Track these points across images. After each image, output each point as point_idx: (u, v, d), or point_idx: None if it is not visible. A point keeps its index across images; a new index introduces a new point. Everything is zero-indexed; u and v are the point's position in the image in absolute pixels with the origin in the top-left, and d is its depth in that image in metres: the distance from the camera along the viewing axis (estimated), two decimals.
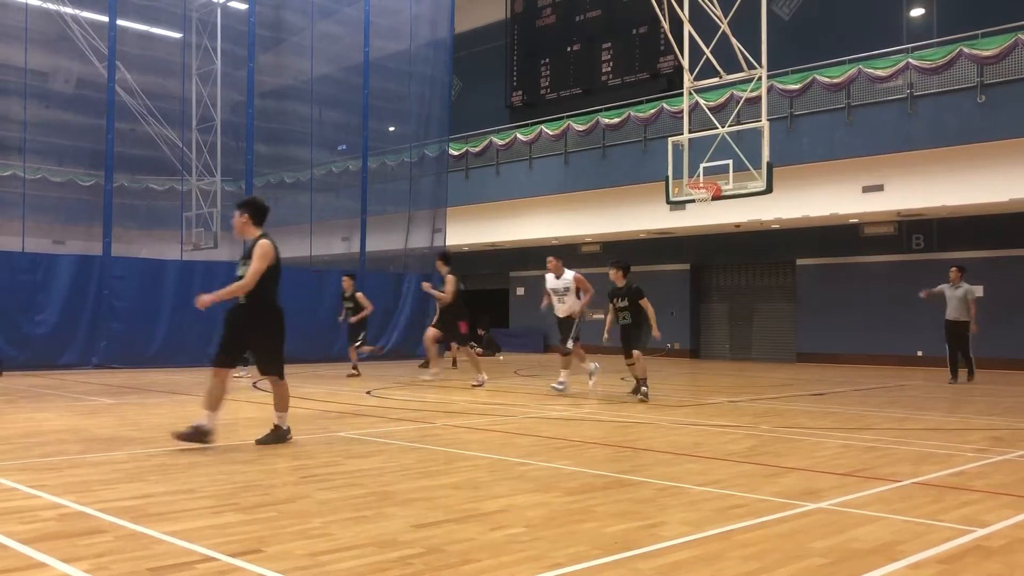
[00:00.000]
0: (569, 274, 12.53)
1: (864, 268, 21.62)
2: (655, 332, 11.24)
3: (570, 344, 12.33)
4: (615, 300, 11.49)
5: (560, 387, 12.43)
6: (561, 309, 12.55)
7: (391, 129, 23.71)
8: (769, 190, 14.77)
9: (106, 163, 17.90)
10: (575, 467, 6.10)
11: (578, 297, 12.49)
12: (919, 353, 19.58)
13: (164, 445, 7.00)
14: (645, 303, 11.23)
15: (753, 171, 14.85)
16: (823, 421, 9.21)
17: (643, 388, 11.17)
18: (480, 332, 25.87)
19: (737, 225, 21.51)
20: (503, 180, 25.39)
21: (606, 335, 11.82)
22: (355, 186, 21.94)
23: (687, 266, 25.27)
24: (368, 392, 12.25)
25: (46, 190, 19.72)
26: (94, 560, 3.63)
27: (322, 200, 22.26)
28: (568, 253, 26.90)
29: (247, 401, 10.99)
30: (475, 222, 25.35)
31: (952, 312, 14.76)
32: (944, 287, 15.00)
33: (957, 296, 14.72)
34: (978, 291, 19.77)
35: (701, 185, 15.32)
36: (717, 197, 15.27)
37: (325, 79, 21.72)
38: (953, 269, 15.11)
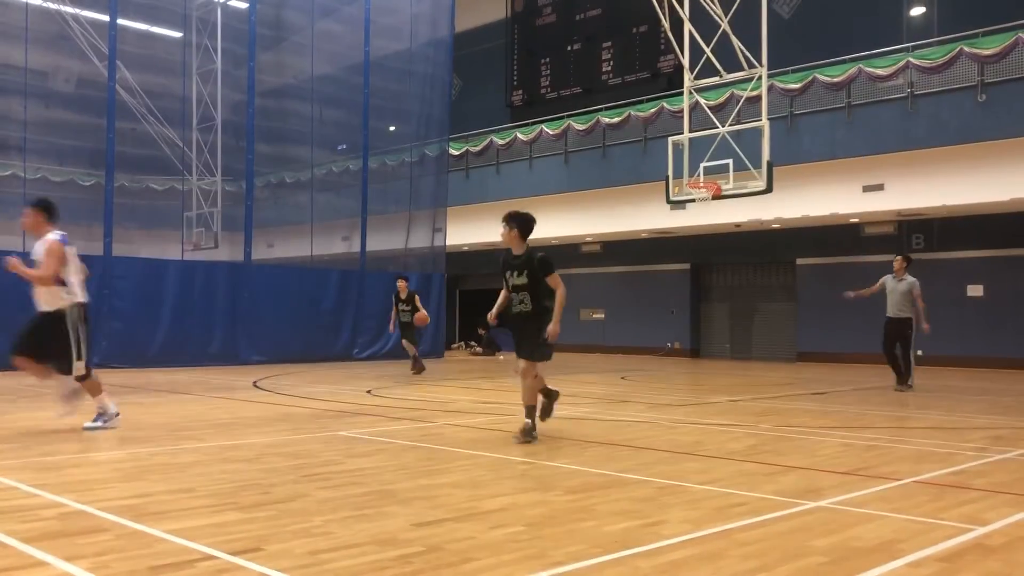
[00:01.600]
0: (47, 237, 7.81)
1: (864, 268, 21.60)
2: (553, 328, 7.24)
3: (76, 366, 7.59)
4: (509, 274, 7.65)
5: (93, 426, 7.71)
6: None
7: (391, 129, 23.73)
8: (769, 189, 14.77)
9: (106, 163, 17.90)
10: (575, 466, 6.10)
11: (64, 284, 7.72)
12: (919, 352, 19.55)
13: (164, 444, 7.01)
14: (555, 281, 7.39)
15: (753, 170, 14.85)
16: (824, 420, 9.21)
17: (528, 421, 7.40)
18: (480, 332, 25.89)
19: (737, 225, 21.51)
20: (503, 179, 25.39)
21: (492, 318, 8.12)
22: (355, 186, 21.95)
23: (687, 266, 25.26)
24: (368, 391, 12.25)
25: (46, 190, 19.69)
26: (95, 559, 3.63)
27: (322, 200, 22.27)
28: (569, 253, 26.98)
29: (244, 401, 11.00)
30: (475, 222, 25.34)
31: (894, 308, 12.87)
32: (886, 279, 13.08)
33: (900, 290, 12.78)
34: (981, 288, 19.80)
35: (701, 184, 15.32)
36: (717, 196, 15.28)
37: (325, 78, 21.74)
38: (897, 258, 13.11)
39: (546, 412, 7.71)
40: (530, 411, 7.46)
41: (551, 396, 7.78)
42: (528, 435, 7.30)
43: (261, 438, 7.51)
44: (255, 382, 13.87)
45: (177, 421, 8.71)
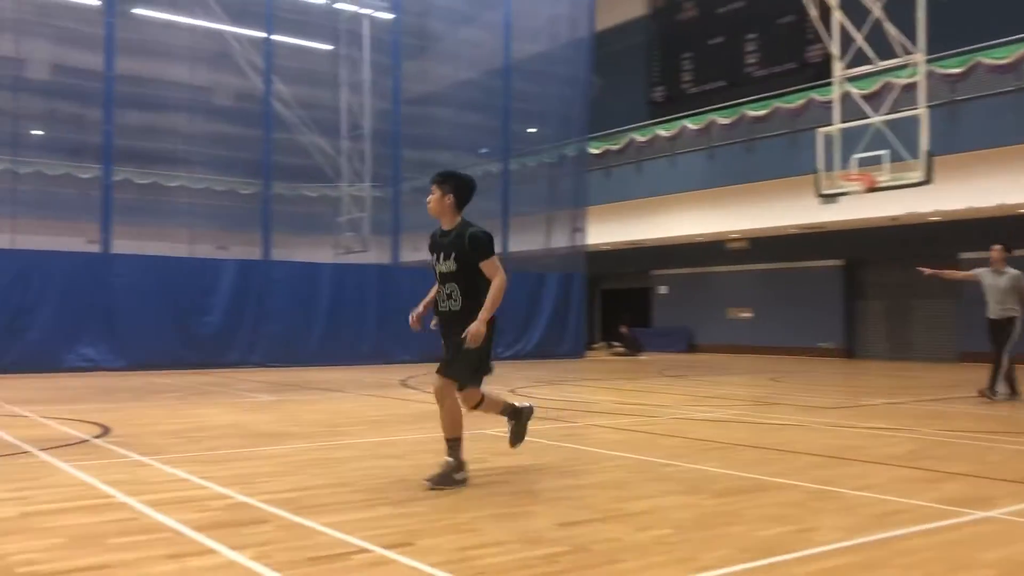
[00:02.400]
0: None
1: None
2: (475, 327, 5.24)
3: None
4: (435, 259, 5.77)
5: None
6: None
7: (531, 130, 23.93)
8: (928, 181, 14.01)
9: (264, 172, 18.96)
10: (723, 469, 5.96)
11: None
12: None
13: (320, 440, 7.32)
14: (492, 268, 5.42)
15: (911, 161, 14.12)
16: (991, 424, 8.64)
17: (449, 460, 5.34)
18: (622, 330, 25.73)
19: (894, 218, 20.50)
20: (645, 177, 25.15)
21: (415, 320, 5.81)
22: (496, 188, 22.28)
23: (840, 262, 24.28)
24: (512, 390, 12.40)
25: (210, 199, 20.98)
26: (258, 548, 3.83)
27: None
28: (714, 250, 26.43)
29: (395, 399, 11.34)
30: (616, 220, 25.22)
31: (996, 307, 10.92)
32: (982, 273, 11.13)
33: (1002, 286, 10.84)
34: None
35: (854, 177, 14.71)
36: (872, 189, 14.63)
37: (467, 83, 22.17)
38: (996, 248, 11.07)
39: (517, 437, 5.89)
40: (453, 446, 5.38)
41: (520, 415, 5.82)
42: (446, 480, 5.21)
43: (410, 435, 7.73)
44: (404, 380, 14.28)
45: (332, 418, 9.08)
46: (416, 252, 23.02)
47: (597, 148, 25.80)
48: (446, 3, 21.87)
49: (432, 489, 5.12)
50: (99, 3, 17.72)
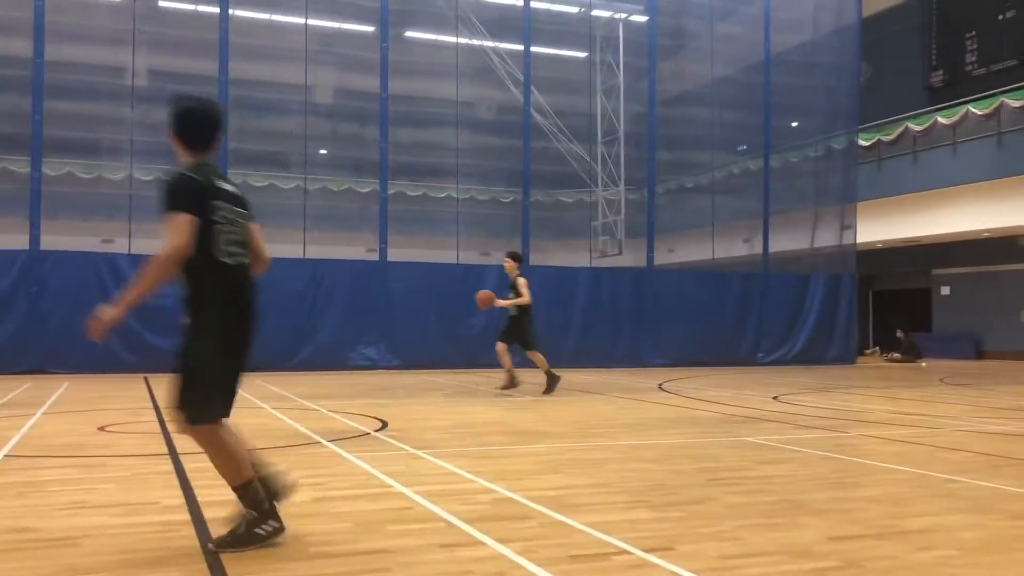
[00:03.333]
0: None
1: None
2: (110, 311, 3.58)
3: None
4: None
5: None
6: None
7: (793, 124, 22.96)
8: None
9: (523, 181, 19.64)
10: (1019, 488, 5.37)
11: None
12: None
13: (579, 440, 7.44)
14: (170, 227, 3.67)
15: None
16: None
17: (249, 512, 3.84)
18: (899, 335, 23.97)
19: None
20: (922, 169, 23.27)
21: None
22: (756, 186, 21.59)
23: None
24: (775, 397, 11.93)
25: (474, 208, 22.05)
26: (522, 543, 3.95)
27: (722, 202, 22.21)
28: (1005, 247, 23.98)
29: (650, 402, 11.28)
30: (890, 216, 23.54)
31: None
32: None
33: None
34: None
35: None
36: None
37: (724, 80, 21.69)
38: None
39: (236, 541, 3.77)
40: (242, 492, 3.82)
41: (257, 514, 3.82)
42: (243, 537, 3.75)
43: (668, 439, 7.66)
44: (660, 384, 14.19)
45: (588, 419, 9.21)
46: (671, 255, 22.87)
47: (867, 139, 24.23)
48: (702, 0, 21.52)
49: (218, 551, 3.70)
50: (374, 29, 19.21)
